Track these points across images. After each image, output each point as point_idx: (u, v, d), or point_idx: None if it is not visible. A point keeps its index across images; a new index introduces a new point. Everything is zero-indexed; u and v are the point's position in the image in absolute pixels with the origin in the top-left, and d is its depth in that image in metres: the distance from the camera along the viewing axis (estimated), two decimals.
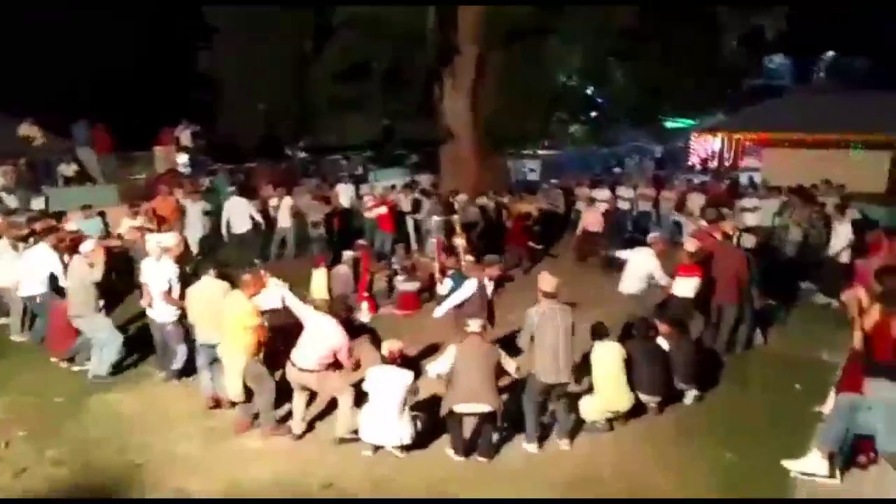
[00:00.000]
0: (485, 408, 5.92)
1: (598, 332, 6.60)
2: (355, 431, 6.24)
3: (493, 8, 15.32)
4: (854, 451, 5.26)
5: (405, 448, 6.10)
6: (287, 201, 13.50)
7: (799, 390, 7.28)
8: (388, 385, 6.02)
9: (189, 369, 7.50)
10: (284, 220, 13.42)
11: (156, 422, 6.79)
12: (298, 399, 6.49)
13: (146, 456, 6.12)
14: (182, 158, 17.36)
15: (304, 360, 6.21)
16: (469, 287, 7.86)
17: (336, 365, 6.37)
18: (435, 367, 6.22)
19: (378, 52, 15.69)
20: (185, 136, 17.76)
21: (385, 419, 6.00)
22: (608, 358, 6.42)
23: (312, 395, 6.66)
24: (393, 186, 16.25)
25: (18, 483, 5.69)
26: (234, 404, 6.77)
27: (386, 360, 6.25)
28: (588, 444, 6.38)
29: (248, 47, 16.20)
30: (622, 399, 6.41)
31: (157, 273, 7.45)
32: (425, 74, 16.50)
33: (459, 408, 5.98)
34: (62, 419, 6.83)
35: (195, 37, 17.53)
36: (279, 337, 6.77)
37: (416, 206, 14.36)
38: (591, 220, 13.53)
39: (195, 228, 12.30)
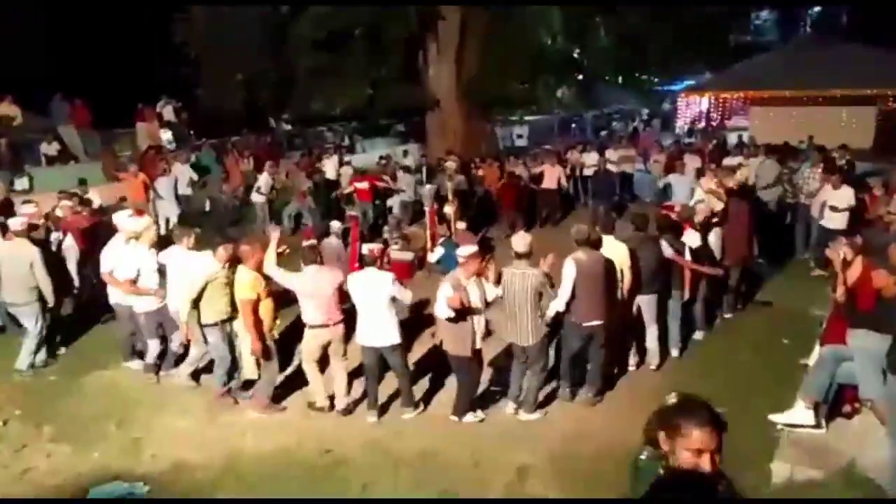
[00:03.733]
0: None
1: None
2: (355, 402, 6.37)
3: None
4: (839, 401, 5.39)
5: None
6: (264, 178, 13.36)
7: (787, 344, 7.40)
8: (370, 286, 6.11)
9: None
10: (259, 196, 13.28)
11: (154, 397, 6.85)
12: (312, 371, 6.52)
13: (145, 430, 6.20)
14: (166, 134, 17.21)
15: (313, 318, 6.27)
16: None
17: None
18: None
19: (357, 19, 15.45)
20: (167, 112, 17.57)
21: (372, 322, 6.10)
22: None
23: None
24: (382, 158, 16.17)
25: (19, 460, 5.76)
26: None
27: (366, 262, 6.35)
28: (581, 404, 6.50)
29: (225, 17, 15.93)
30: None
31: (126, 259, 6.95)
32: (408, 40, 16.31)
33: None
34: (58, 397, 6.89)
35: (171, 8, 17.19)
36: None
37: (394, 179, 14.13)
38: (549, 178, 13.64)
39: (169, 208, 12.06)
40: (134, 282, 6.86)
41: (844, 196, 9.49)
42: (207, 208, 13.82)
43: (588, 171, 14.89)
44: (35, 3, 22.30)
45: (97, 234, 8.74)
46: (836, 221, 9.43)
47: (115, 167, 13.74)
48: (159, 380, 7.18)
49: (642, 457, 2.45)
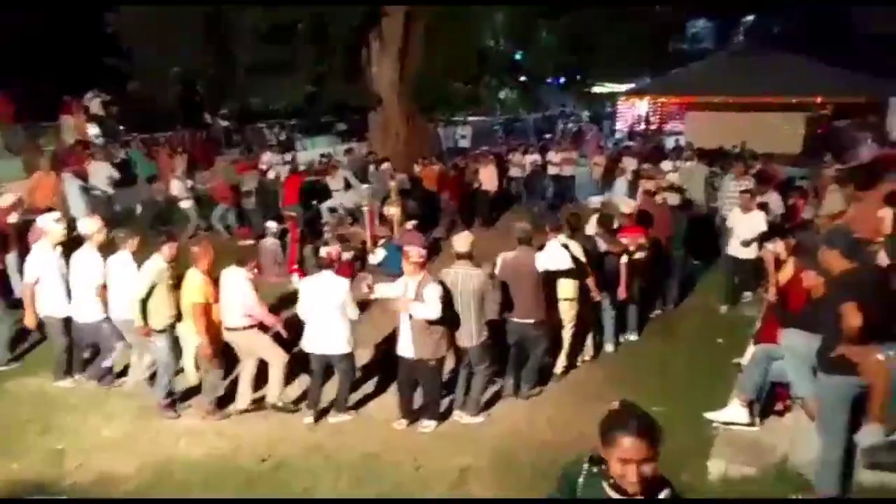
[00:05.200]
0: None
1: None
2: (295, 401, 6.19)
3: None
4: (772, 399, 5.53)
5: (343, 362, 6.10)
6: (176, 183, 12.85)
7: (720, 344, 7.58)
8: (324, 290, 5.96)
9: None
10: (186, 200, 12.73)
11: (80, 402, 6.52)
12: (244, 370, 6.33)
13: (70, 437, 5.88)
14: (93, 129, 16.43)
15: (229, 319, 6.05)
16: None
17: (264, 327, 6.26)
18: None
19: (301, 12, 15.14)
20: (94, 105, 16.79)
21: (322, 327, 5.96)
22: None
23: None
24: (323, 156, 15.89)
25: None
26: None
27: (323, 264, 6.18)
28: (523, 402, 6.53)
29: (161, 6, 15.34)
30: None
31: (81, 265, 6.49)
32: (352, 36, 16.08)
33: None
34: None
35: None
36: None
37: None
38: (485, 178, 13.82)
39: (77, 207, 11.24)
40: (102, 287, 6.44)
41: (754, 223, 8.39)
42: (138, 210, 13.19)
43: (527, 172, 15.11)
44: None
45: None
46: (745, 252, 8.48)
47: (37, 163, 12.98)
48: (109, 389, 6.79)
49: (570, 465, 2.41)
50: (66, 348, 6.80)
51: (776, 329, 5.34)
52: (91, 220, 6.69)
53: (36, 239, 7.08)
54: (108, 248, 6.64)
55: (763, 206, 8.91)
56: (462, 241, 6.04)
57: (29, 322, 6.69)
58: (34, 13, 22.03)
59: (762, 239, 8.06)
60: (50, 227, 6.75)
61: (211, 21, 15.59)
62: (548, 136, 26.10)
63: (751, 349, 5.84)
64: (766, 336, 5.60)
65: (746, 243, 8.44)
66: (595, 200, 10.00)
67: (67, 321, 6.68)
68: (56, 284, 6.57)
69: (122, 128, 17.45)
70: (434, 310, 5.63)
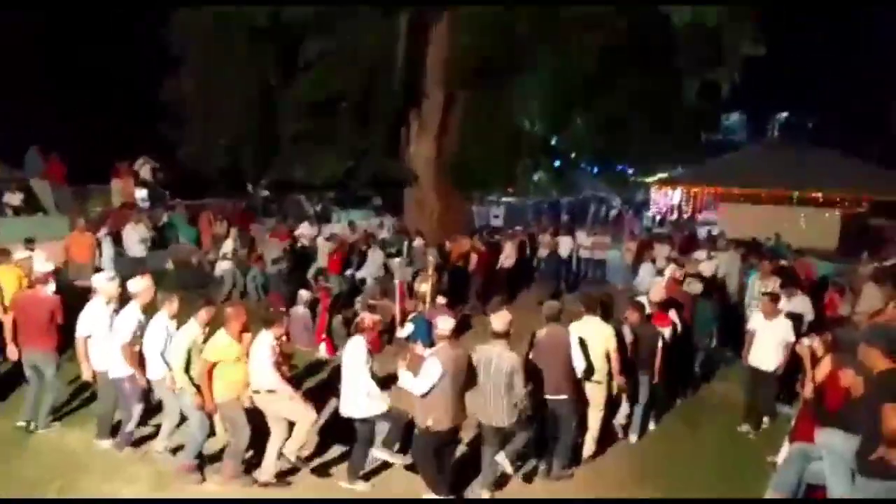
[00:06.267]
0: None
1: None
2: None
3: (461, 45, 15.54)
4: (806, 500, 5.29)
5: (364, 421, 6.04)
6: (228, 242, 13.24)
7: (752, 439, 7.37)
8: (349, 355, 6.06)
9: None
10: (225, 262, 13.05)
11: (101, 463, 6.49)
12: (271, 440, 6.25)
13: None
14: (141, 193, 17.09)
15: (253, 381, 6.08)
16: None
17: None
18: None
19: (347, 88, 15.80)
20: (144, 171, 17.53)
21: (346, 390, 6.03)
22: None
23: None
24: (351, 223, 16.23)
25: None
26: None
27: (356, 331, 6.28)
28: (540, 485, 6.35)
29: (214, 78, 16.14)
30: None
31: (118, 321, 6.58)
32: (393, 115, 16.66)
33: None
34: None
35: (159, 66, 17.38)
36: None
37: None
38: (506, 254, 14.05)
39: (109, 265, 11.59)
40: (130, 345, 6.48)
41: (778, 331, 7.46)
42: (170, 267, 13.48)
43: (563, 253, 15.25)
44: (17, 54, 22.29)
45: None
46: (768, 362, 7.52)
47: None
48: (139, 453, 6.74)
49: None
50: (113, 406, 6.85)
51: (812, 427, 5.17)
52: (139, 280, 6.79)
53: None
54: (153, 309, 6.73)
55: (793, 316, 8.05)
56: (499, 319, 5.99)
57: (86, 376, 6.82)
58: (92, 81, 23.37)
59: (787, 349, 7.30)
60: (103, 285, 6.92)
61: (260, 93, 16.35)
62: (567, 217, 26.22)
63: (786, 447, 5.64)
64: (803, 434, 5.42)
65: (769, 353, 7.48)
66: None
67: None
68: (106, 340, 6.66)
69: (167, 193, 18.08)
70: (420, 386, 5.59)
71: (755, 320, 7.81)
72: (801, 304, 8.91)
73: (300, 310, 10.28)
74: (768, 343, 7.48)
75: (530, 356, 6.47)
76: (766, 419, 7.72)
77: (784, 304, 8.07)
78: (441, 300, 10.53)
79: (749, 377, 7.78)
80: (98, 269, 10.55)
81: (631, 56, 15.50)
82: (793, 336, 7.35)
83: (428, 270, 11.25)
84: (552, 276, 14.64)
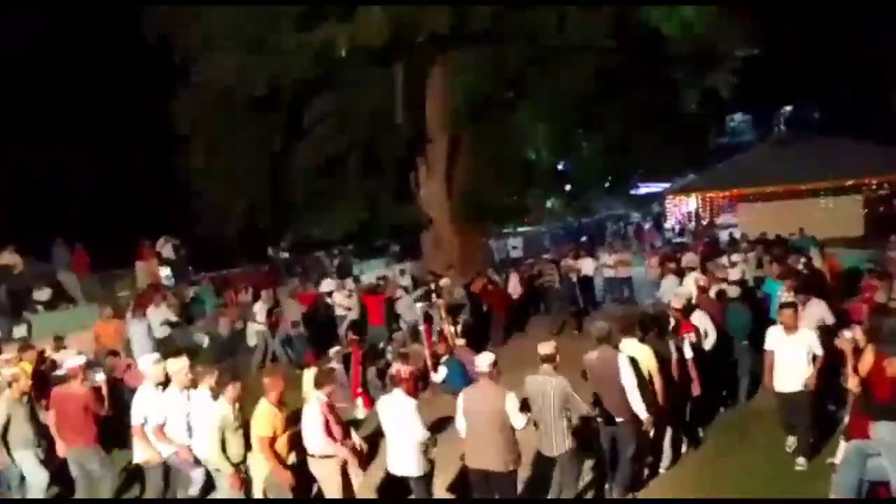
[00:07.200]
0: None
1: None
2: None
3: (458, 86, 15.71)
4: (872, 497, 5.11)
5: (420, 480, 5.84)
6: (259, 306, 13.32)
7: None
8: (392, 412, 5.89)
9: None
10: (257, 325, 13.13)
11: None
12: None
13: None
14: (164, 271, 17.36)
15: (307, 445, 6.04)
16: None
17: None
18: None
19: (351, 142, 16.10)
20: (166, 249, 17.81)
21: (394, 449, 5.86)
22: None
23: None
24: (380, 279, 16.24)
25: None
26: None
27: (392, 383, 6.14)
28: None
29: (222, 150, 16.56)
30: None
31: (156, 404, 6.58)
32: (400, 162, 16.91)
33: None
34: None
35: (168, 146, 17.87)
36: None
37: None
38: (511, 286, 14.17)
39: (140, 348, 11.29)
40: (161, 427, 6.49)
41: (802, 342, 6.56)
42: (205, 344, 13.60)
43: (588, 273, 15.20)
44: (31, 148, 22.94)
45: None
46: (792, 383, 6.58)
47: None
48: None
49: None
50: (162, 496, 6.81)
51: (866, 422, 5.02)
52: (175, 361, 6.79)
53: (136, 380, 7.29)
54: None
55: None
56: (546, 345, 5.99)
57: (140, 458, 6.76)
58: (105, 170, 24.01)
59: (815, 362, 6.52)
60: (149, 368, 6.89)
61: (270, 158, 16.72)
62: (586, 238, 26.06)
63: (842, 446, 5.48)
64: (857, 431, 5.26)
65: (794, 373, 6.55)
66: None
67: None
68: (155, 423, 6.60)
69: (191, 268, 18.36)
70: (522, 420, 5.49)
71: (771, 337, 6.80)
72: (817, 310, 7.90)
73: (332, 365, 10.26)
74: (791, 360, 6.57)
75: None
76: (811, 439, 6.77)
77: (800, 311, 7.15)
78: (460, 341, 10.50)
79: (778, 405, 6.98)
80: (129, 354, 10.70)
81: (627, 73, 15.62)
82: (820, 348, 6.54)
83: (441, 312, 11.37)
84: (568, 301, 14.23)
